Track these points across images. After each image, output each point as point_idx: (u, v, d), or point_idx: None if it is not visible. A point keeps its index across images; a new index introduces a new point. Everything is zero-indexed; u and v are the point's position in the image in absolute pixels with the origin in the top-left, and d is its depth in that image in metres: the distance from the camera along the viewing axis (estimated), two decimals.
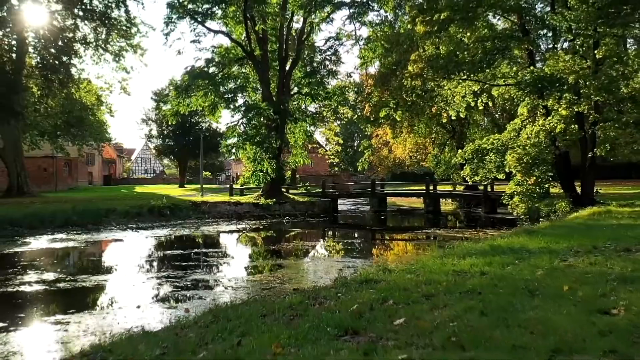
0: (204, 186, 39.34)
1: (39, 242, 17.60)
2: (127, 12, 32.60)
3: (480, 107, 26.23)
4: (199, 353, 3.42)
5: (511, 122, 24.01)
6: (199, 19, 29.95)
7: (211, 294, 9.31)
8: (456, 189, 37.56)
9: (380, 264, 7.64)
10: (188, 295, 9.34)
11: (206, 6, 29.40)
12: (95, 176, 59.70)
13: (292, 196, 31.38)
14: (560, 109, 20.67)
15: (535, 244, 8.34)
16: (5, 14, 29.84)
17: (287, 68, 31.32)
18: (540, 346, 3.12)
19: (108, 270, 13.18)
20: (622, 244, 7.56)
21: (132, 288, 10.30)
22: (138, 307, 8.30)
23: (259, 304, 5.10)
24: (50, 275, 11.44)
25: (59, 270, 12.41)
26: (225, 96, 31.11)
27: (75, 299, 9.54)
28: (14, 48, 31.48)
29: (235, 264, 14.25)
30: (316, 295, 5.28)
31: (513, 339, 3.30)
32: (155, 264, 13.92)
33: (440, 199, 34.44)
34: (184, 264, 13.29)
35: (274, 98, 30.39)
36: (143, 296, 9.31)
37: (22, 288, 10.13)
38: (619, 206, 17.19)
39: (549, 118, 20.97)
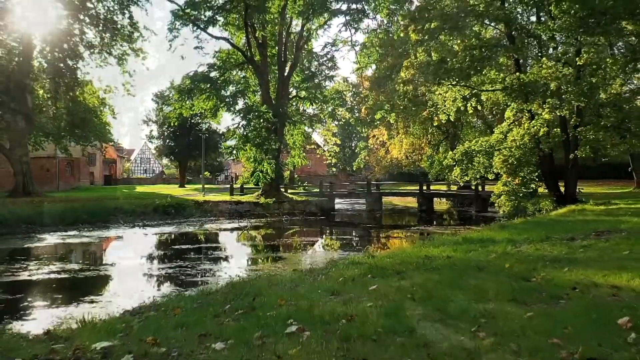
0: (205, 186, 40.60)
1: (54, 238, 18.86)
2: (130, 17, 33.86)
3: (470, 111, 27.54)
4: (225, 305, 4.71)
5: (499, 125, 25.36)
6: (202, 26, 31.23)
7: (225, 276, 10.63)
8: (450, 188, 38.90)
9: (367, 253, 8.94)
10: (204, 278, 10.67)
11: (208, 14, 30.68)
12: (96, 176, 60.99)
13: (290, 195, 32.71)
14: (543, 113, 22.03)
15: (501, 235, 9.65)
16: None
17: (285, 72, 32.64)
18: (467, 299, 4.43)
19: (128, 259, 14.47)
20: (571, 234, 8.87)
21: (154, 273, 11.64)
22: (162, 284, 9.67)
23: (266, 279, 6.41)
24: (74, 266, 12.74)
25: (81, 261, 13.71)
26: (227, 99, 32.42)
27: (106, 282, 10.89)
28: (21, 50, 32.69)
29: (240, 256, 15.58)
30: (311, 272, 6.58)
31: (452, 296, 4.60)
32: (168, 255, 15.22)
33: (434, 199, 35.77)
34: (195, 256, 14.60)
35: (273, 101, 31.72)
36: (167, 279, 10.66)
37: (54, 275, 11.43)
38: (595, 205, 18.52)
39: (533, 122, 22.31)
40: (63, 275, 11.31)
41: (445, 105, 25.69)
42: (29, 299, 8.93)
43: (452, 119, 28.17)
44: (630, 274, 5.27)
